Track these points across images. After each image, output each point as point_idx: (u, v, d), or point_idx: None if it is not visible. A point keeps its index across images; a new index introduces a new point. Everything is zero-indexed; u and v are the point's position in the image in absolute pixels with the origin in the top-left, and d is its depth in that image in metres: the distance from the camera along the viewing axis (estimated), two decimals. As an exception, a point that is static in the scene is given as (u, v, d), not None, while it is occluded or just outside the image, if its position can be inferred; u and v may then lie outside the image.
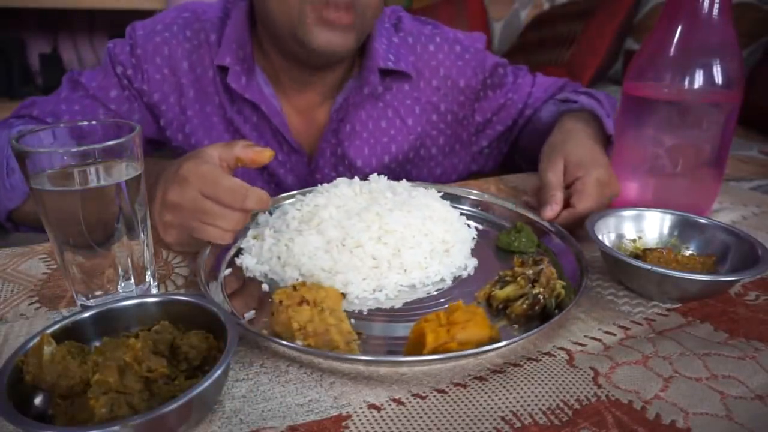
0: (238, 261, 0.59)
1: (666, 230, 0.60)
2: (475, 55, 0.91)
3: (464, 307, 0.44)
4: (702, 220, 0.59)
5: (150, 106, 0.84)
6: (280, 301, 0.45)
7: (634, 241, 0.60)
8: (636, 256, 0.57)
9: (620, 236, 0.60)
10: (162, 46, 0.82)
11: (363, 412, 0.39)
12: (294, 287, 0.46)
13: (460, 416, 0.38)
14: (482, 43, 0.93)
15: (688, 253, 0.58)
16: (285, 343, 0.43)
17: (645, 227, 0.61)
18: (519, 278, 0.51)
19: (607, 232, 0.59)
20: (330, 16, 0.70)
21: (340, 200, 0.61)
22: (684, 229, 0.59)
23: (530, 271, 0.51)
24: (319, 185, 0.67)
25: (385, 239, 0.56)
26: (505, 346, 0.43)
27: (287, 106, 0.86)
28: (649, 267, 0.50)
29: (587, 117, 0.82)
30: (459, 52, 0.90)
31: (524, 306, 0.49)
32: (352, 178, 0.85)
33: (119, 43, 0.82)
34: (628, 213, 0.61)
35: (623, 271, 0.54)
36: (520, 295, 0.50)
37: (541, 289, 0.49)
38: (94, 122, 0.50)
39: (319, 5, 0.70)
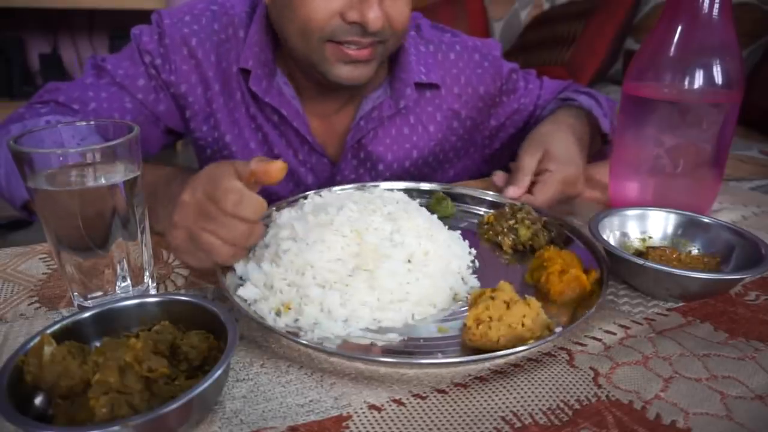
0: (312, 336, 0.45)
1: (672, 230, 0.60)
2: (494, 62, 0.92)
3: (555, 250, 0.55)
4: (707, 220, 0.59)
5: (176, 96, 0.83)
6: (489, 318, 0.44)
7: (644, 240, 0.60)
8: (640, 254, 0.57)
9: (625, 235, 0.60)
10: (190, 37, 0.81)
11: (363, 412, 0.39)
12: (491, 297, 0.45)
13: (460, 416, 0.38)
14: (498, 50, 0.95)
15: (694, 252, 0.58)
16: (304, 341, 0.43)
17: (653, 226, 0.61)
18: (525, 221, 0.62)
19: (612, 231, 0.59)
20: (351, 54, 0.71)
21: (363, 224, 0.54)
22: (690, 228, 0.59)
23: (525, 214, 0.63)
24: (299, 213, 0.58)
25: (434, 240, 0.56)
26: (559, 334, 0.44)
27: (308, 109, 0.86)
28: (642, 262, 0.50)
29: (582, 115, 0.83)
30: (478, 60, 0.91)
31: (546, 237, 0.62)
32: (373, 179, 0.87)
33: (145, 31, 0.81)
34: (635, 212, 0.61)
35: (626, 269, 0.54)
36: (534, 233, 0.62)
37: (539, 224, 0.62)
38: (92, 122, 0.50)
39: (340, 44, 0.70)
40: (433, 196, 0.73)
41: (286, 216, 0.57)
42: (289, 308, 0.48)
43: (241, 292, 0.49)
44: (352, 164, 0.88)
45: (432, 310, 0.50)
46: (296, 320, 0.47)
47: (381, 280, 0.49)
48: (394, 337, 0.46)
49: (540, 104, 0.96)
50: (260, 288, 0.49)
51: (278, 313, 0.47)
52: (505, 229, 0.62)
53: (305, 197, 0.64)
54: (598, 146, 0.90)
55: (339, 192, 0.67)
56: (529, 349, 0.43)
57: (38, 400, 0.36)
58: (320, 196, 0.63)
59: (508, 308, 0.44)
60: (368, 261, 0.50)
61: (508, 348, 0.42)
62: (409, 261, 0.52)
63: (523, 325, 0.43)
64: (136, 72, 0.80)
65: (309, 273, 0.49)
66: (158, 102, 0.82)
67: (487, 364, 0.43)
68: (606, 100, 0.91)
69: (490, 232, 0.64)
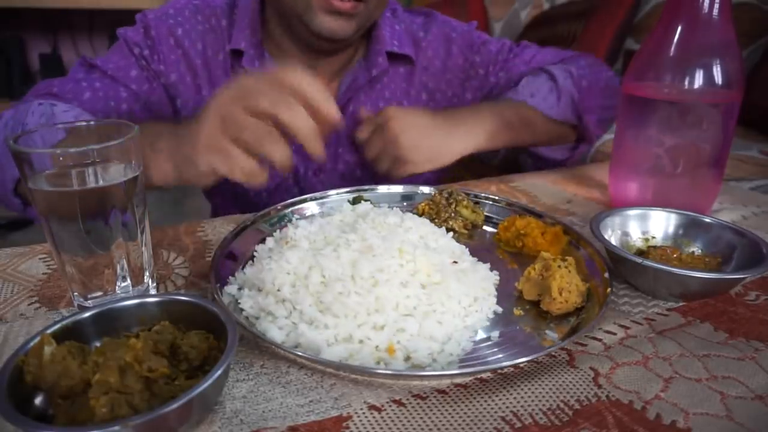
0: (437, 366, 0.43)
1: (673, 229, 0.60)
2: (462, 35, 0.94)
3: (522, 218, 0.63)
4: (709, 220, 0.59)
5: (167, 86, 0.85)
6: (568, 284, 0.49)
7: (646, 240, 0.60)
8: (641, 254, 0.57)
9: (627, 234, 0.60)
10: (176, 27, 0.83)
11: (363, 412, 0.39)
12: (558, 267, 0.50)
13: (460, 416, 0.38)
14: (472, 26, 0.96)
15: (696, 252, 0.58)
16: (286, 347, 0.43)
17: (654, 226, 0.61)
18: (462, 202, 0.69)
19: (614, 231, 0.59)
20: (335, 3, 0.74)
21: (396, 240, 0.51)
22: (692, 228, 0.59)
23: (458, 196, 0.69)
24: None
25: (443, 236, 0.58)
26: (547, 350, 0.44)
27: None
28: (642, 261, 0.50)
29: (511, 106, 0.86)
30: (446, 33, 0.94)
31: (483, 211, 0.70)
32: (356, 158, 0.90)
33: (130, 29, 0.83)
34: (636, 212, 0.61)
35: (627, 268, 0.54)
36: (473, 211, 0.69)
37: (471, 201, 0.71)
38: (92, 122, 0.50)
39: None
40: (354, 197, 0.74)
41: (294, 259, 0.50)
42: (394, 350, 0.43)
43: (327, 355, 0.42)
44: (334, 141, 0.90)
45: (494, 299, 0.52)
46: (407, 359, 0.43)
47: (454, 287, 0.48)
48: (495, 335, 0.47)
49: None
50: (342, 343, 0.44)
51: (385, 363, 0.43)
52: (452, 214, 0.67)
53: (281, 231, 0.57)
54: (562, 136, 0.92)
55: (314, 215, 0.68)
56: (537, 356, 0.43)
57: (38, 400, 0.36)
58: (297, 225, 0.57)
59: (570, 272, 0.50)
60: (433, 274, 0.49)
61: (582, 305, 0.50)
62: (455, 262, 0.52)
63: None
64: (128, 63, 0.82)
65: (388, 308, 0.45)
66: (152, 91, 0.83)
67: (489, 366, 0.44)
68: (589, 78, 0.89)
69: (436, 221, 0.68)
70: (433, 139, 0.80)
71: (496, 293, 0.53)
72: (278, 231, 0.59)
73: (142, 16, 0.84)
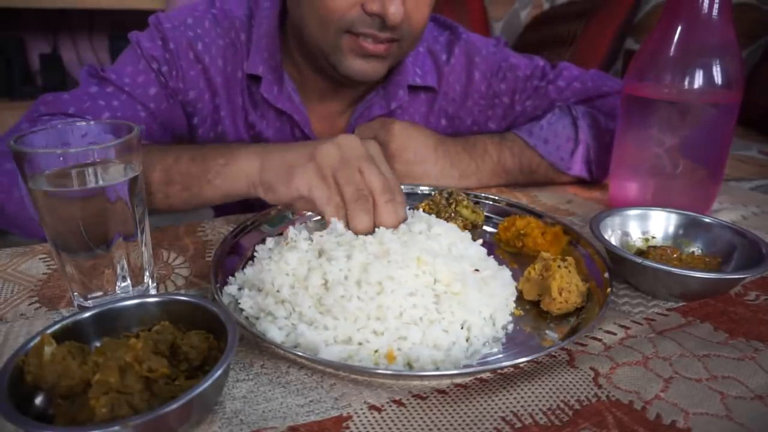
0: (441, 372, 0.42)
1: (673, 229, 0.60)
2: (486, 59, 0.89)
3: (522, 218, 0.64)
4: (708, 220, 0.59)
5: (184, 104, 0.80)
6: (568, 284, 0.49)
7: (646, 240, 0.60)
8: (641, 254, 0.57)
9: (627, 234, 0.61)
10: (195, 41, 0.78)
11: (363, 412, 0.39)
12: (558, 267, 0.50)
13: (460, 416, 0.38)
14: (500, 44, 0.91)
15: (696, 252, 0.58)
16: (286, 347, 0.43)
17: (654, 226, 0.61)
18: (462, 202, 0.68)
19: (614, 231, 0.59)
20: (368, 47, 0.70)
21: (416, 248, 0.49)
22: (692, 228, 0.59)
23: (458, 197, 0.69)
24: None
25: (467, 239, 0.58)
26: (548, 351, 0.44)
27: (311, 113, 0.86)
28: (642, 261, 0.50)
29: (517, 148, 0.83)
30: (470, 56, 0.89)
31: (483, 212, 0.70)
32: None
33: (146, 37, 0.77)
34: (636, 212, 0.61)
35: (627, 268, 0.54)
36: (473, 211, 0.69)
37: (471, 200, 0.70)
38: (92, 123, 0.50)
39: (357, 36, 0.70)
40: None
41: (293, 260, 0.49)
42: (394, 356, 0.43)
43: (324, 355, 0.42)
44: None
45: (514, 304, 0.52)
46: (408, 365, 0.43)
47: (474, 297, 0.47)
48: (501, 335, 0.47)
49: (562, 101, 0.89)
50: (341, 345, 0.43)
51: (383, 365, 0.43)
52: (452, 214, 0.67)
53: (286, 235, 0.55)
54: (566, 182, 0.86)
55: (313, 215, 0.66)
56: (537, 356, 0.43)
57: (38, 400, 0.36)
58: (305, 225, 0.57)
59: (570, 272, 0.50)
60: (453, 284, 0.47)
61: (582, 305, 0.50)
62: (476, 270, 0.50)
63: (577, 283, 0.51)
64: (147, 79, 0.76)
65: (389, 316, 0.44)
66: (170, 110, 0.79)
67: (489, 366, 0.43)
68: (592, 129, 0.82)
69: (449, 212, 0.68)
70: (424, 165, 0.78)
71: (515, 297, 0.52)
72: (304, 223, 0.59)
73: (156, 21, 0.77)
